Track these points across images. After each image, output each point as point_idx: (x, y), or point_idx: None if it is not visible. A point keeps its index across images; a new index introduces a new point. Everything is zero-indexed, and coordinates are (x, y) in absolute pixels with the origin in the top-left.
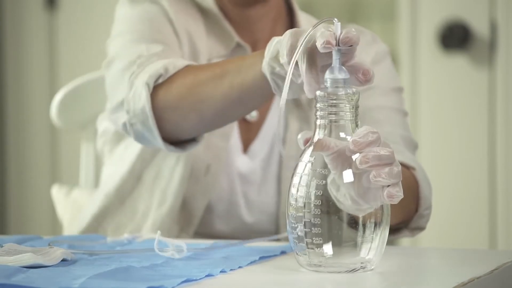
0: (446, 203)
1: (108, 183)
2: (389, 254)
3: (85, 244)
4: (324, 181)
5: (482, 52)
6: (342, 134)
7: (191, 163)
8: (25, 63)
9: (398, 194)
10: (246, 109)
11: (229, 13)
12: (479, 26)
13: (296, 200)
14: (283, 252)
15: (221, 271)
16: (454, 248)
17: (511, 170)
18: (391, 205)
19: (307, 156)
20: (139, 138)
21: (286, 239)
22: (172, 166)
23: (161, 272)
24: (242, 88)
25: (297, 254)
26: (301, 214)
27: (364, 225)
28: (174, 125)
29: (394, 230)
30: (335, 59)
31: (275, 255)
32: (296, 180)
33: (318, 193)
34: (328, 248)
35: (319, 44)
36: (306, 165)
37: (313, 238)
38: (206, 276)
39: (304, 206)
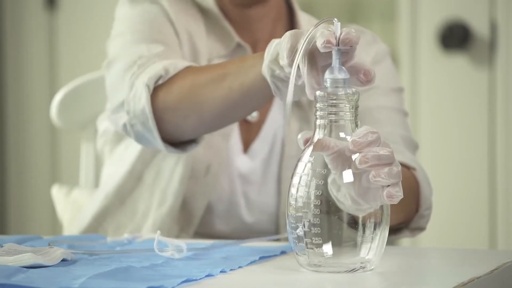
0: (446, 203)
1: (108, 183)
2: (389, 254)
3: (85, 244)
4: (323, 181)
5: (482, 52)
6: (342, 134)
7: (191, 163)
8: (25, 63)
9: (397, 194)
10: (246, 111)
11: (229, 13)
12: (479, 26)
13: (295, 200)
14: (283, 252)
15: (221, 271)
16: (454, 248)
17: (511, 170)
18: (392, 205)
19: (306, 156)
20: (139, 139)
21: (286, 239)
22: (172, 166)
23: (161, 272)
24: (241, 90)
25: (297, 254)
26: (300, 214)
27: (364, 225)
28: (174, 126)
29: (395, 230)
30: (335, 59)
31: (275, 255)
32: (295, 180)
33: (318, 193)
34: (327, 248)
35: (319, 44)
36: (305, 165)
37: (313, 238)
38: (206, 276)
39: (304, 206)
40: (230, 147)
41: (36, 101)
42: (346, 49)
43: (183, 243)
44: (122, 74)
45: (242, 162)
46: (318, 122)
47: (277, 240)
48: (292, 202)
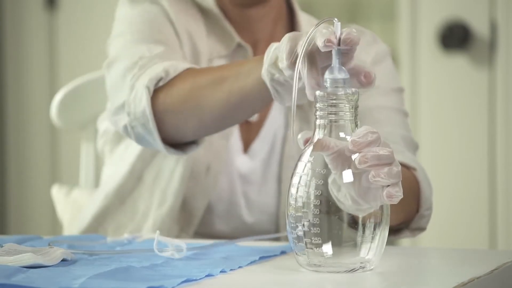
0: (446, 203)
1: (108, 183)
2: (389, 254)
3: (85, 244)
4: (323, 181)
5: (482, 52)
6: (341, 134)
7: (191, 163)
8: (25, 63)
9: (397, 194)
10: (246, 114)
11: (229, 13)
12: (479, 26)
13: (295, 200)
14: (283, 252)
15: (221, 271)
16: (454, 248)
17: (511, 170)
18: (392, 205)
19: (306, 156)
20: (139, 140)
21: (286, 238)
22: (172, 166)
23: (161, 272)
24: (241, 94)
25: (296, 254)
26: (300, 214)
27: (364, 225)
28: (174, 128)
29: (395, 230)
30: (335, 59)
31: (275, 255)
32: (295, 180)
33: (317, 193)
34: (327, 248)
35: (320, 43)
36: (305, 165)
37: (312, 238)
38: (206, 276)
39: (303, 206)
40: (230, 147)
41: (36, 101)
42: (346, 50)
43: (183, 243)
44: (122, 75)
45: (242, 162)
46: (318, 122)
47: (277, 239)
48: (292, 202)
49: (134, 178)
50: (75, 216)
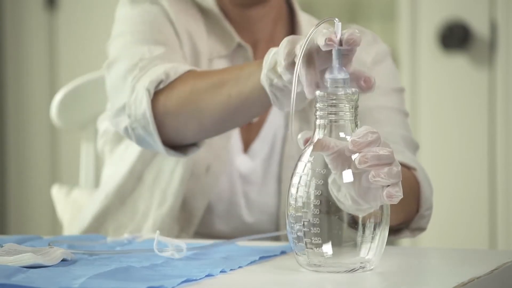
0: (446, 203)
1: (108, 183)
2: (389, 254)
3: (85, 244)
4: (323, 181)
5: (482, 52)
6: (341, 134)
7: (192, 163)
8: (25, 63)
9: (397, 194)
10: (246, 118)
11: (229, 13)
12: (479, 26)
13: (295, 200)
14: (283, 252)
15: (221, 271)
16: (454, 248)
17: (511, 170)
18: (392, 205)
19: (306, 156)
20: (140, 142)
21: (286, 238)
22: (172, 166)
23: (161, 272)
24: (240, 98)
25: (296, 254)
26: (300, 214)
27: (364, 225)
28: (175, 131)
29: (395, 230)
30: (335, 59)
31: (275, 255)
32: (295, 180)
33: (317, 193)
34: (327, 248)
35: (321, 42)
36: (305, 165)
37: (312, 238)
38: (206, 276)
39: (303, 206)
40: (230, 147)
41: (36, 101)
42: (346, 51)
43: (183, 243)
44: (123, 76)
45: (242, 162)
46: (318, 122)
47: (277, 238)
48: (292, 202)
49: (134, 178)
50: (75, 216)
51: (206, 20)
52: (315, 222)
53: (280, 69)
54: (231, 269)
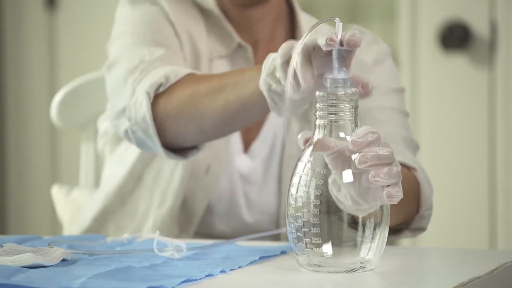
0: (446, 203)
1: (108, 184)
2: (389, 254)
3: (85, 244)
4: (323, 181)
5: (482, 52)
6: (341, 134)
7: (191, 163)
8: (25, 63)
9: (397, 194)
10: (245, 122)
11: (229, 13)
12: (479, 26)
13: (295, 200)
14: (283, 252)
15: (221, 271)
16: (454, 248)
17: (511, 170)
18: (392, 205)
19: (306, 156)
20: (140, 145)
21: (286, 238)
22: (172, 167)
23: (161, 272)
24: (239, 103)
25: (296, 254)
26: (300, 214)
27: (364, 225)
28: (174, 134)
29: (395, 230)
30: (335, 59)
31: (275, 255)
32: (295, 180)
33: (317, 193)
34: (327, 248)
35: (322, 42)
36: (305, 165)
37: (312, 238)
38: (206, 276)
39: (303, 206)
40: (230, 147)
41: (36, 101)
42: (345, 53)
43: (183, 243)
44: (123, 78)
45: (243, 162)
46: (318, 122)
47: (277, 238)
48: (292, 202)
49: (134, 179)
50: (75, 216)
51: (206, 20)
52: (315, 222)
53: (279, 74)
54: (231, 269)
